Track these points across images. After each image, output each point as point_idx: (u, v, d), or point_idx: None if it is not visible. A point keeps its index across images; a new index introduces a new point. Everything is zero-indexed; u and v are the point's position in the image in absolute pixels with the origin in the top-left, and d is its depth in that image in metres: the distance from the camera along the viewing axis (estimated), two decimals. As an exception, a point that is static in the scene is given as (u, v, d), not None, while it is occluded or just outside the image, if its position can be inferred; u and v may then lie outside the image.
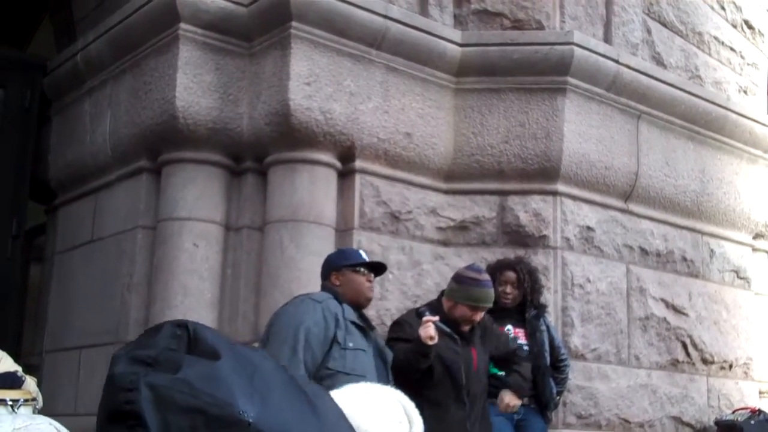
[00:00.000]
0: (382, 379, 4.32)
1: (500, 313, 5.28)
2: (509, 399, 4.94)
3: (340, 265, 4.45)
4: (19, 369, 4.99)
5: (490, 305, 4.84)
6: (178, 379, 0.86)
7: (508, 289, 5.34)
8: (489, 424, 4.86)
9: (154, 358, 0.89)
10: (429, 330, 4.41)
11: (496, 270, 5.35)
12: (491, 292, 4.81)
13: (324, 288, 4.48)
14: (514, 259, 5.57)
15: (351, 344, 4.23)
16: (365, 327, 4.41)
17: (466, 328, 4.80)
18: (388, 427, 1.62)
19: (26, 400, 4.60)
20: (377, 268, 4.59)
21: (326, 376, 4.02)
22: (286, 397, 0.90)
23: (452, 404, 4.68)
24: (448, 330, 4.64)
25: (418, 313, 4.74)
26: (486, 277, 4.87)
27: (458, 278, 4.89)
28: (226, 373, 0.88)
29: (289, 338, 4.08)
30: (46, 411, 5.24)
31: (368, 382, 4.15)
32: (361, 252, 4.60)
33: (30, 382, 4.87)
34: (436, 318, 4.52)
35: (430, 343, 4.42)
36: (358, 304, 4.43)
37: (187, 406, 0.84)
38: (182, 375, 0.87)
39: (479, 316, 4.79)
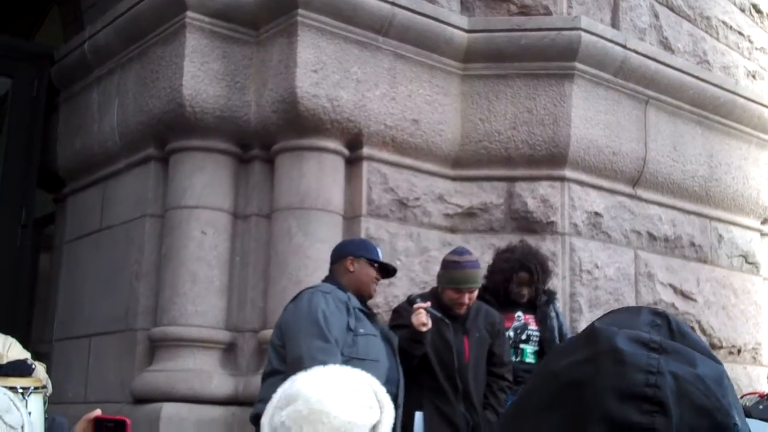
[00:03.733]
0: (392, 363, 4.36)
1: (510, 301, 5.30)
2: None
3: (360, 254, 4.47)
4: (28, 356, 5.01)
5: (475, 286, 4.83)
6: (698, 376, 0.85)
7: (524, 290, 5.29)
8: (488, 415, 4.83)
9: (659, 344, 0.87)
10: (421, 317, 4.45)
11: (510, 272, 5.29)
12: (472, 272, 4.82)
13: (328, 277, 4.49)
14: (523, 253, 5.40)
15: (362, 330, 4.27)
16: (371, 314, 4.45)
17: (460, 311, 4.80)
18: (358, 411, 1.62)
19: (36, 388, 4.61)
20: (385, 270, 4.63)
21: (342, 362, 4.04)
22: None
23: (449, 391, 4.70)
24: (440, 315, 4.65)
25: (409, 301, 4.77)
26: (468, 258, 4.88)
27: (443, 263, 4.96)
28: (726, 379, 0.88)
29: (314, 330, 4.08)
30: (55, 398, 5.27)
31: (381, 366, 4.19)
32: (380, 251, 4.64)
33: (40, 370, 4.87)
34: (428, 304, 4.55)
35: (423, 329, 4.45)
36: (361, 297, 4.46)
37: (700, 405, 0.83)
38: (700, 371, 0.86)
39: (467, 297, 4.79)
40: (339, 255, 4.53)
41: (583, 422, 0.83)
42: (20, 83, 7.27)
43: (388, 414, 1.66)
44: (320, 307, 4.15)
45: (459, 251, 5.02)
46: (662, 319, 0.91)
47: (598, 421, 0.82)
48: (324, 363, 3.91)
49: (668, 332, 0.89)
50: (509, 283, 5.26)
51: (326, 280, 4.48)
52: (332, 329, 4.11)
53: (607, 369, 0.84)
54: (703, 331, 6.81)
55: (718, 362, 0.88)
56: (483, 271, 5.21)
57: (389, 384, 4.31)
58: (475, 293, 4.87)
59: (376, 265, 4.48)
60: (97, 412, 2.27)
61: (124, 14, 6.25)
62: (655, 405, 0.81)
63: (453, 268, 4.84)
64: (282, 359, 4.13)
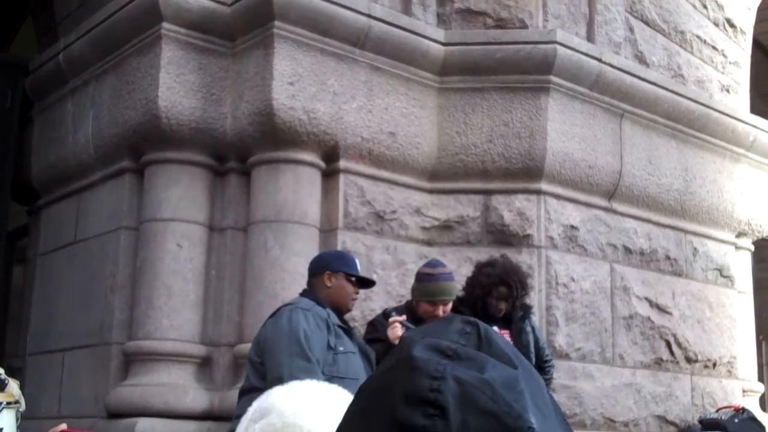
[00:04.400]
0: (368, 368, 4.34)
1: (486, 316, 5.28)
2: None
3: (338, 268, 4.41)
4: (1, 372, 4.96)
5: (448, 298, 4.82)
6: (484, 380, 0.86)
7: (502, 305, 5.27)
8: None
9: (454, 351, 0.89)
10: (396, 330, 4.44)
11: (490, 286, 5.26)
12: (446, 285, 4.81)
13: (307, 290, 4.44)
14: (504, 269, 5.40)
15: (342, 348, 4.23)
16: (349, 329, 4.42)
17: None
18: (332, 426, 1.61)
19: (9, 403, 4.57)
20: (363, 282, 4.60)
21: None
22: (558, 420, 0.92)
23: None
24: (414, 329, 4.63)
25: (385, 314, 4.75)
26: (441, 270, 4.87)
27: (417, 276, 4.96)
28: (522, 383, 0.89)
29: (296, 349, 4.03)
30: (29, 414, 5.21)
31: (360, 384, 4.17)
32: (358, 263, 4.57)
33: (13, 385, 4.83)
34: (403, 318, 4.53)
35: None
36: (339, 311, 4.42)
37: (486, 409, 0.84)
38: (488, 376, 0.87)
39: (441, 310, 4.77)
40: (317, 269, 4.47)
41: (376, 427, 0.86)
42: (-6, 94, 7.21)
43: None
44: (301, 325, 4.10)
45: (432, 263, 5.02)
46: (472, 327, 0.95)
47: (388, 425, 0.85)
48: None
49: (477, 339, 0.93)
50: (488, 297, 5.25)
51: (304, 294, 4.43)
52: (313, 348, 4.07)
53: (402, 375, 0.87)
54: (679, 344, 6.84)
55: (515, 367, 0.90)
56: (458, 283, 5.19)
57: None
58: (449, 306, 4.85)
59: (354, 279, 4.45)
60: (63, 426, 2.25)
61: (99, 25, 6.22)
62: (437, 408, 0.84)
63: (427, 281, 4.83)
64: (261, 376, 4.08)
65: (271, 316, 4.32)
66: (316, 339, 4.10)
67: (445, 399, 0.83)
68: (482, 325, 0.94)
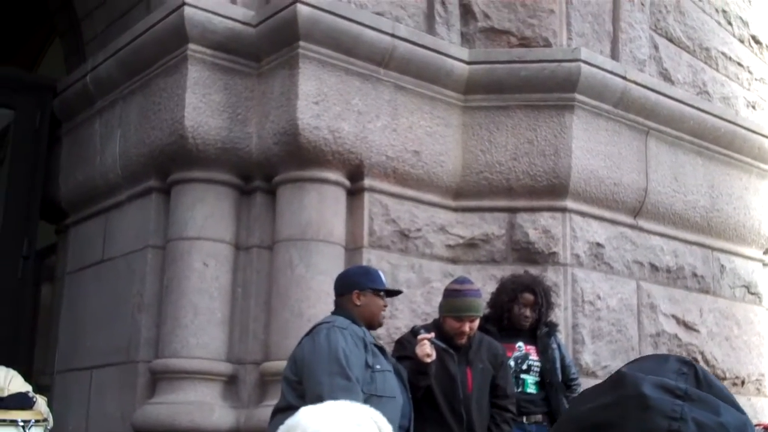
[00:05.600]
0: (405, 397, 4.32)
1: (512, 330, 5.29)
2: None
3: (366, 286, 4.37)
4: (30, 389, 5.00)
5: (475, 314, 4.81)
6: (721, 424, 0.86)
7: (528, 312, 5.30)
8: None
9: (684, 391, 0.88)
10: (425, 348, 4.41)
11: (515, 292, 5.32)
12: (473, 301, 4.80)
13: (338, 308, 4.41)
14: (530, 278, 5.50)
15: (378, 366, 4.18)
16: (382, 347, 4.40)
17: (461, 341, 4.78)
18: None
19: (37, 421, 4.61)
20: (390, 293, 4.60)
21: (362, 401, 3.99)
22: None
23: (452, 422, 4.67)
24: (443, 346, 4.63)
25: (413, 332, 4.75)
26: (469, 287, 4.87)
27: (444, 292, 4.95)
28: (752, 428, 0.89)
29: (335, 368, 3.98)
30: (56, 431, 5.25)
31: (398, 402, 4.16)
32: (381, 274, 4.53)
33: (41, 403, 4.88)
34: (431, 335, 4.52)
35: (428, 360, 4.41)
36: (371, 327, 4.41)
37: None
38: (723, 420, 0.87)
39: (468, 326, 4.76)
40: (344, 288, 4.42)
41: None
42: (22, 115, 7.30)
43: None
44: (340, 344, 4.04)
45: (460, 280, 5.02)
46: (689, 368, 0.93)
47: None
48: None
49: (695, 380, 0.91)
50: (513, 304, 5.25)
51: (336, 313, 4.40)
52: (353, 367, 4.02)
53: (633, 413, 0.85)
54: (707, 362, 6.79)
55: (742, 412, 0.89)
56: (484, 301, 5.19)
57: (404, 418, 4.27)
58: (476, 323, 4.85)
59: (382, 293, 4.43)
60: None
61: (126, 46, 6.29)
62: None
63: (454, 297, 4.83)
64: (298, 395, 4.03)
65: (307, 334, 4.27)
66: (354, 358, 4.05)
67: None
68: (698, 365, 0.93)
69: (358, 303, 4.31)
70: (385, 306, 4.46)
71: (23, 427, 4.51)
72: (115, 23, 6.87)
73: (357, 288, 4.34)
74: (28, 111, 7.29)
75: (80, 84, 6.95)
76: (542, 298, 5.34)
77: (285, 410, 3.93)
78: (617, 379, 0.92)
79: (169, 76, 5.90)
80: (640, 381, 0.88)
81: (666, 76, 7.03)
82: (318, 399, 3.88)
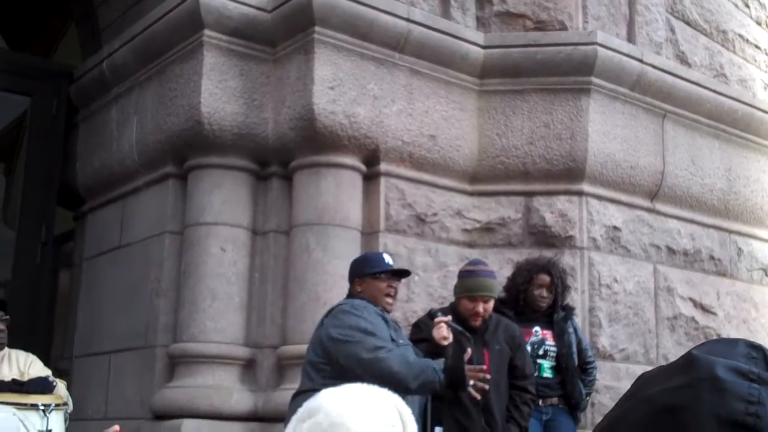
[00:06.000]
0: None
1: (528, 315, 5.28)
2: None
3: (363, 272, 4.43)
4: (49, 373, 5.04)
5: (489, 294, 4.79)
6: None
7: (545, 293, 5.30)
8: (511, 428, 4.82)
9: (757, 375, 0.89)
10: (442, 331, 4.41)
11: (531, 273, 5.32)
12: (486, 281, 4.78)
13: (350, 295, 4.45)
14: (545, 260, 5.51)
15: (401, 340, 4.28)
16: (398, 328, 4.45)
17: (476, 323, 4.77)
18: (378, 428, 1.62)
19: (57, 405, 4.65)
20: (400, 273, 4.60)
21: None
22: None
23: (469, 404, 4.67)
24: (460, 329, 4.63)
25: (430, 315, 4.75)
26: (482, 267, 4.86)
27: (458, 274, 4.97)
28: None
29: (365, 334, 4.05)
30: (75, 415, 5.30)
31: None
32: (385, 256, 4.54)
33: (61, 387, 4.92)
34: (448, 318, 4.51)
35: (444, 343, 4.41)
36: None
37: None
38: None
39: (482, 307, 4.75)
40: (350, 278, 4.52)
41: None
42: (39, 102, 7.33)
43: None
44: (362, 317, 4.14)
45: (474, 261, 5.03)
46: (758, 352, 0.93)
47: None
48: (387, 352, 3.89)
49: (764, 365, 0.91)
50: (529, 286, 5.24)
51: (350, 297, 4.46)
52: (381, 334, 4.12)
53: (707, 396, 0.86)
54: (724, 345, 6.77)
55: None
56: (499, 283, 5.18)
57: (422, 397, 4.32)
58: (491, 304, 4.83)
59: (381, 276, 4.44)
60: (116, 428, 2.29)
61: (142, 33, 6.30)
62: None
63: (467, 277, 4.83)
64: (325, 376, 4.04)
65: (326, 316, 4.31)
66: (380, 330, 4.14)
67: (764, 425, 0.83)
68: (767, 349, 0.93)
69: (359, 290, 4.37)
70: (390, 287, 4.44)
71: (44, 410, 4.55)
72: (131, 10, 6.89)
73: (357, 276, 4.43)
74: (45, 98, 7.33)
75: (96, 71, 6.97)
76: (558, 279, 5.35)
77: (307, 392, 3.93)
78: (689, 362, 0.92)
79: (185, 62, 5.91)
80: (713, 364, 0.89)
81: (683, 59, 7.00)
82: (359, 362, 3.94)
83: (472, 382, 4.29)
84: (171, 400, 5.60)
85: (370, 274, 4.41)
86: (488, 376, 4.46)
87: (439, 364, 4.15)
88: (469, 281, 4.81)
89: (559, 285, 5.35)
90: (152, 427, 5.65)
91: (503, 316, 5.07)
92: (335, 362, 4.08)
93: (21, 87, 7.42)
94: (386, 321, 4.26)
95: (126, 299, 6.37)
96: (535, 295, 5.26)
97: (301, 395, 4.02)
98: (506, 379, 4.86)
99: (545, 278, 5.30)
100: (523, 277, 5.31)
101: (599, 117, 6.18)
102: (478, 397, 4.41)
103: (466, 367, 4.33)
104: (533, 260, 5.49)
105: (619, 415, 0.95)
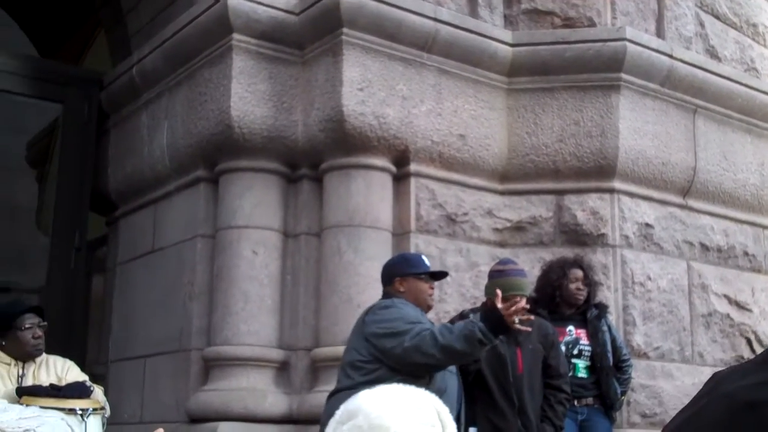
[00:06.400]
0: (456, 382, 4.35)
1: (562, 314, 5.26)
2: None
3: (405, 272, 4.38)
4: (86, 378, 5.08)
5: (520, 293, 4.72)
6: None
7: (581, 285, 5.31)
8: (546, 428, 4.79)
9: None
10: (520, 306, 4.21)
11: (564, 268, 5.30)
12: (517, 280, 4.72)
13: (387, 295, 4.43)
14: (573, 257, 5.52)
15: None
16: None
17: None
18: (418, 429, 1.62)
19: (95, 410, 4.68)
20: (438, 275, 4.59)
21: None
22: None
23: (503, 404, 4.65)
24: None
25: (461, 316, 4.74)
26: (512, 266, 4.81)
27: (489, 274, 4.92)
28: None
29: (409, 325, 4.02)
30: (111, 419, 5.33)
31: (453, 376, 4.18)
32: (424, 258, 4.53)
33: (98, 392, 4.95)
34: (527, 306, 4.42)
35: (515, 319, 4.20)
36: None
37: None
38: None
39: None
40: (386, 279, 4.45)
41: None
42: (71, 109, 7.40)
43: None
44: (402, 310, 4.12)
45: (504, 261, 5.00)
46: None
47: None
48: (428, 330, 3.87)
49: None
50: (564, 280, 5.22)
51: (387, 296, 4.43)
52: (424, 320, 4.12)
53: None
54: (760, 341, 6.71)
55: None
56: (530, 282, 5.14)
57: (455, 403, 4.30)
58: (523, 302, 4.80)
59: (423, 276, 4.43)
60: (160, 431, 2.30)
61: (171, 38, 6.34)
62: None
63: (498, 277, 4.79)
64: (364, 373, 4.02)
65: (366, 313, 4.28)
66: (423, 319, 4.13)
67: None
68: None
69: (402, 289, 4.31)
70: (432, 288, 4.44)
71: (81, 415, 4.58)
72: (160, 15, 6.93)
73: (397, 276, 4.36)
74: (76, 104, 7.39)
75: (126, 77, 7.02)
76: (590, 275, 5.35)
77: (345, 390, 3.91)
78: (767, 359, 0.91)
79: (214, 66, 5.94)
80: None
81: (713, 54, 6.94)
82: (404, 351, 3.91)
83: (516, 320, 4.05)
84: (206, 403, 5.62)
85: (413, 274, 4.37)
86: (524, 302, 4.19)
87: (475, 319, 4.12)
88: (500, 281, 4.77)
89: (591, 279, 5.36)
90: (188, 431, 5.68)
91: (537, 315, 5.04)
92: (377, 359, 4.06)
93: (53, 94, 7.48)
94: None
95: (159, 303, 6.41)
96: (572, 288, 5.25)
97: (338, 394, 4.01)
98: (540, 379, 4.83)
99: (578, 272, 5.30)
100: (556, 274, 5.29)
101: (629, 113, 6.14)
102: (529, 329, 4.26)
103: (500, 306, 4.09)
104: (562, 258, 5.50)
105: (694, 413, 0.95)
